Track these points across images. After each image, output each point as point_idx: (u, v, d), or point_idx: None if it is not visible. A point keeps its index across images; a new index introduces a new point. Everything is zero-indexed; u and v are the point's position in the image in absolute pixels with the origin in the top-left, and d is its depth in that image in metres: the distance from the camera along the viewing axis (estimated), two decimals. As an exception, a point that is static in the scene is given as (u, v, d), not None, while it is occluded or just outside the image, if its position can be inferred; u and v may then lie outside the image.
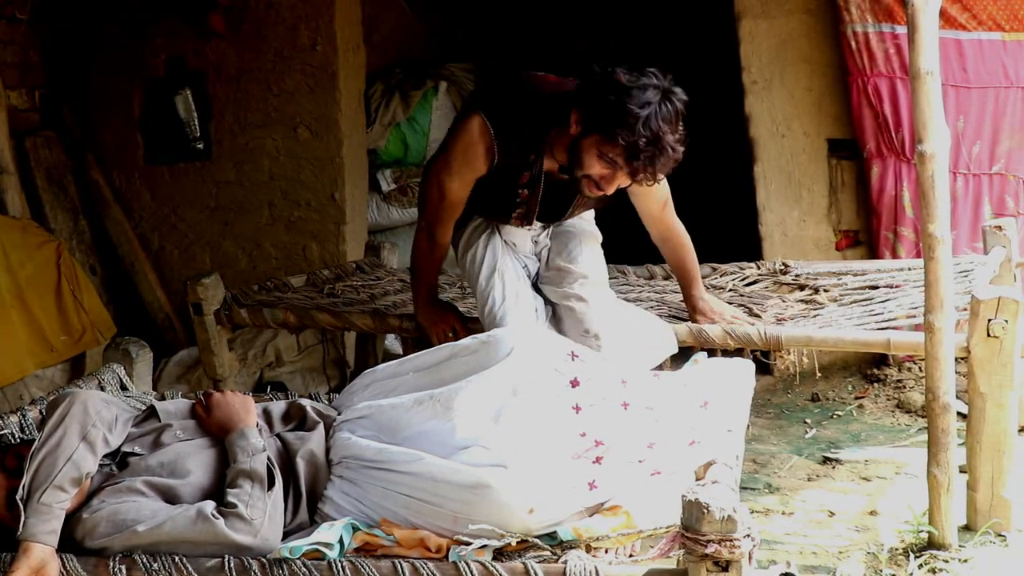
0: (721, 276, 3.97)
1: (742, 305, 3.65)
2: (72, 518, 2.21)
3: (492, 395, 2.33)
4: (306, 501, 2.35)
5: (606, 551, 2.22)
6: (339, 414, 2.51)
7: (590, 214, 3.44)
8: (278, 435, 2.47)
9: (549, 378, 2.37)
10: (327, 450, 2.41)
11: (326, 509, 2.34)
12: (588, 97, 2.88)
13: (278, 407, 2.57)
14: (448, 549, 2.18)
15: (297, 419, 2.53)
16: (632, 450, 2.32)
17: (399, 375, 2.55)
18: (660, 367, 3.22)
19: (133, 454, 2.37)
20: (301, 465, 2.37)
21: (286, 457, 2.40)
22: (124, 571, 2.14)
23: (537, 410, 2.31)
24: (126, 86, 5.34)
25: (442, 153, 3.19)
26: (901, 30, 4.53)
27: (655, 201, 3.26)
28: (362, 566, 2.10)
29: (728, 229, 5.37)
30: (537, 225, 3.32)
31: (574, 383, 2.37)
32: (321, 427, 2.46)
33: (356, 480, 2.33)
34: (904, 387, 4.66)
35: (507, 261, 3.27)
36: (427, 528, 2.23)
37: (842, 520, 3.44)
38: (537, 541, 2.17)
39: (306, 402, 2.58)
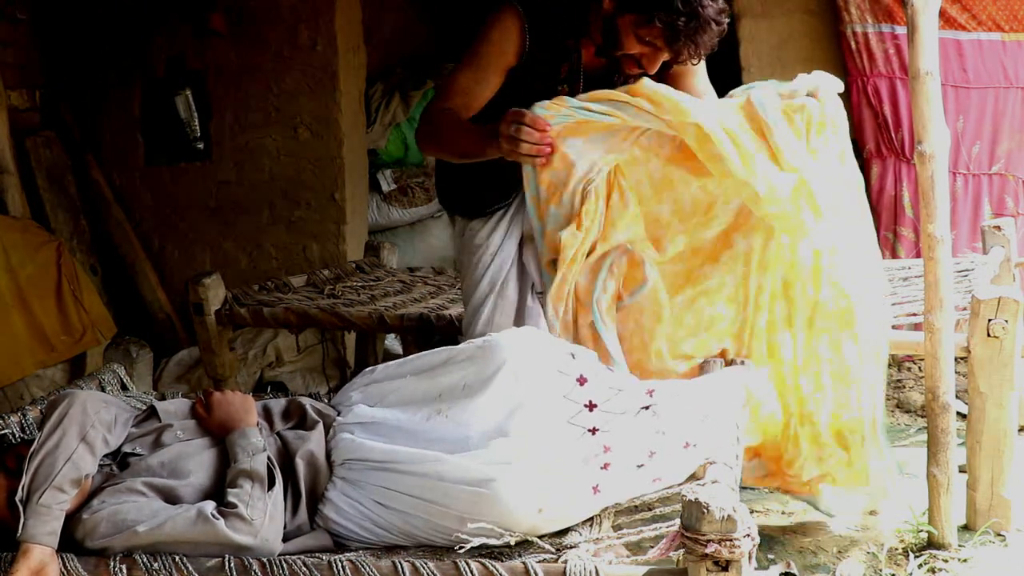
0: (721, 276, 3.96)
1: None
2: (72, 518, 2.21)
3: (499, 407, 2.28)
4: (305, 502, 2.34)
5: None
6: (338, 414, 2.50)
7: None
8: (278, 434, 2.46)
9: (553, 380, 2.32)
10: (328, 452, 2.40)
11: (326, 511, 2.31)
12: None
13: (278, 404, 2.55)
14: None
15: (297, 417, 2.51)
16: (635, 455, 2.30)
17: (397, 377, 2.51)
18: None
19: (134, 454, 2.36)
20: (300, 465, 2.35)
21: (286, 456, 2.38)
22: (124, 571, 2.14)
23: (546, 417, 2.26)
24: (126, 86, 5.34)
25: (465, 55, 2.86)
26: (901, 30, 4.54)
27: (696, 91, 2.93)
28: (362, 566, 2.10)
29: (728, 229, 5.36)
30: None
31: (581, 381, 2.32)
32: (320, 426, 2.44)
33: (359, 482, 2.30)
34: (904, 387, 4.66)
35: (510, 285, 3.05)
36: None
37: (842, 520, 3.43)
38: (537, 540, 2.16)
39: (305, 400, 2.56)
